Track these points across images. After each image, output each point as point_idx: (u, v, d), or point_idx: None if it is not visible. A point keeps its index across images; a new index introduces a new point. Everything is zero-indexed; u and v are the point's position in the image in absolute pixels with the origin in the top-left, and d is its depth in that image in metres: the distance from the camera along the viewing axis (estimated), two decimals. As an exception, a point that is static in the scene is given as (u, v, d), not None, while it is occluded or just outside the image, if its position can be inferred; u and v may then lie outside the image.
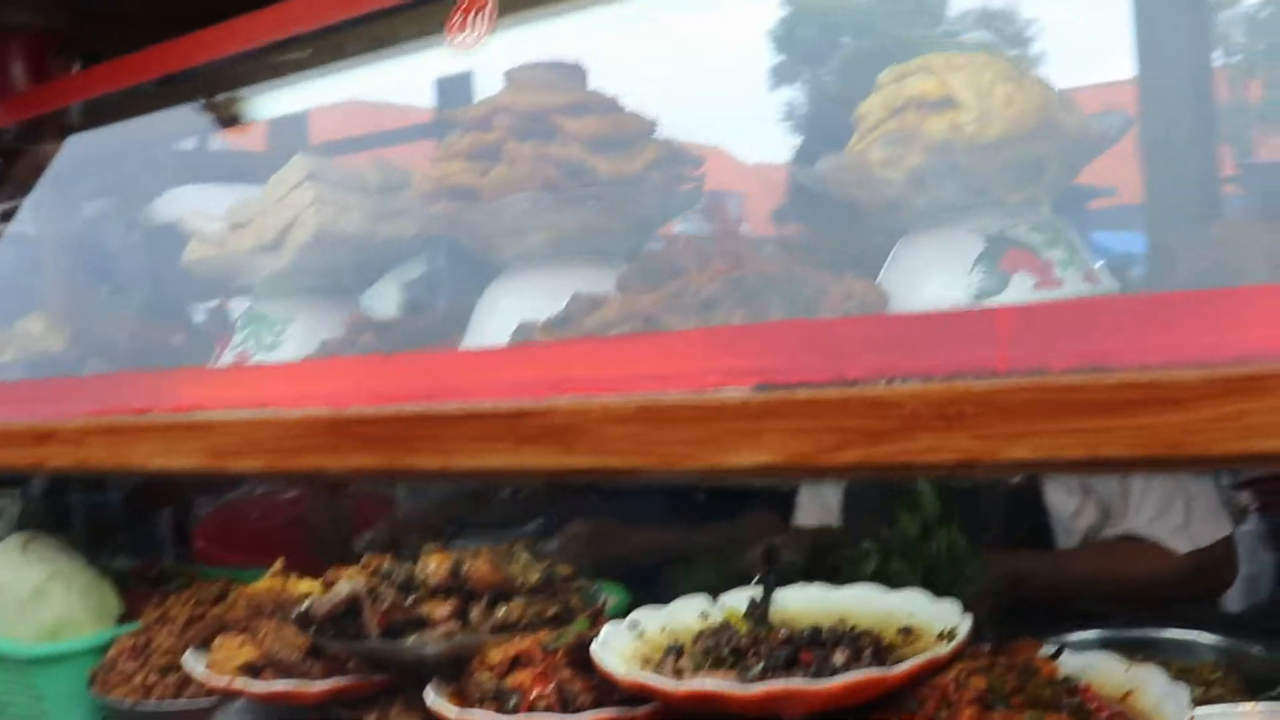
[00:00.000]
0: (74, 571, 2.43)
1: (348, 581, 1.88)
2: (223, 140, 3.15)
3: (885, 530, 2.60)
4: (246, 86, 2.48)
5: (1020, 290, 1.47)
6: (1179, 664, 1.57)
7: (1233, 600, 2.92)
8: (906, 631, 1.69)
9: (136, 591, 2.66)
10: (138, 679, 2.16)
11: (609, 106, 1.86)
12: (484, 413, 1.57)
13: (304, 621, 1.91)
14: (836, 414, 1.30)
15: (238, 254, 2.15)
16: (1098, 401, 1.17)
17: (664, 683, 1.53)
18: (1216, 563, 2.61)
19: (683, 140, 1.91)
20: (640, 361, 1.54)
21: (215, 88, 2.54)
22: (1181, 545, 2.55)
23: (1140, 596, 2.35)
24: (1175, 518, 2.55)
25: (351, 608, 1.88)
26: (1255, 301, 1.16)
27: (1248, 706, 1.61)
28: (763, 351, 1.44)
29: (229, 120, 2.80)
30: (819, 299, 1.59)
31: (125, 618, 2.47)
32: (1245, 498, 3.52)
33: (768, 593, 1.82)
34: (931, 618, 1.69)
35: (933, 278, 1.55)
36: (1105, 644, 1.89)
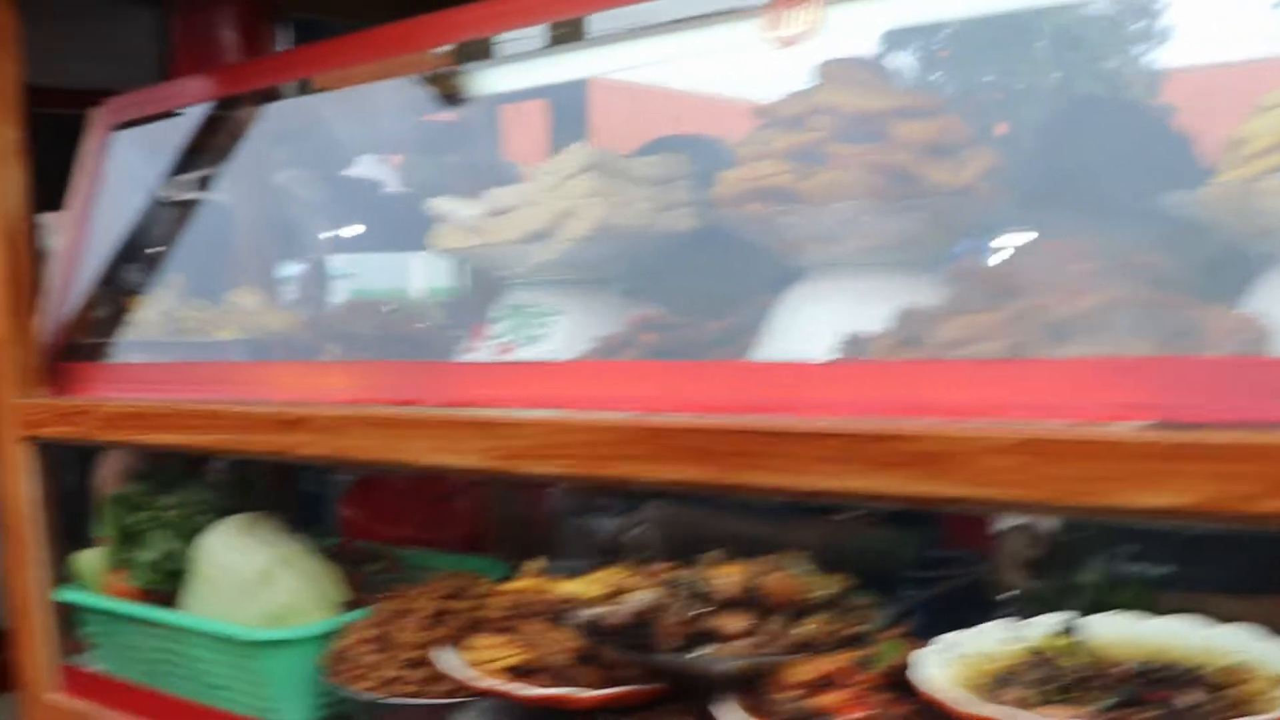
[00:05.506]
0: (300, 555, 2.39)
1: (645, 593, 1.83)
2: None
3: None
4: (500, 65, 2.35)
5: None
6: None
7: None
8: (1232, 671, 1.62)
9: (343, 573, 2.62)
10: (381, 672, 2.11)
11: (938, 109, 1.79)
12: (840, 432, 1.50)
13: (592, 631, 1.86)
14: (1258, 459, 1.23)
15: (500, 243, 2.09)
16: None
17: (1021, 716, 1.47)
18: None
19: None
20: (1013, 388, 1.47)
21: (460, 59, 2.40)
22: None
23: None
24: None
25: (641, 618, 1.83)
26: None
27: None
28: (1157, 386, 1.37)
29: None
30: (1190, 332, 1.52)
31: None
32: None
33: (1079, 620, 1.76)
34: (1265, 656, 1.62)
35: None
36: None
